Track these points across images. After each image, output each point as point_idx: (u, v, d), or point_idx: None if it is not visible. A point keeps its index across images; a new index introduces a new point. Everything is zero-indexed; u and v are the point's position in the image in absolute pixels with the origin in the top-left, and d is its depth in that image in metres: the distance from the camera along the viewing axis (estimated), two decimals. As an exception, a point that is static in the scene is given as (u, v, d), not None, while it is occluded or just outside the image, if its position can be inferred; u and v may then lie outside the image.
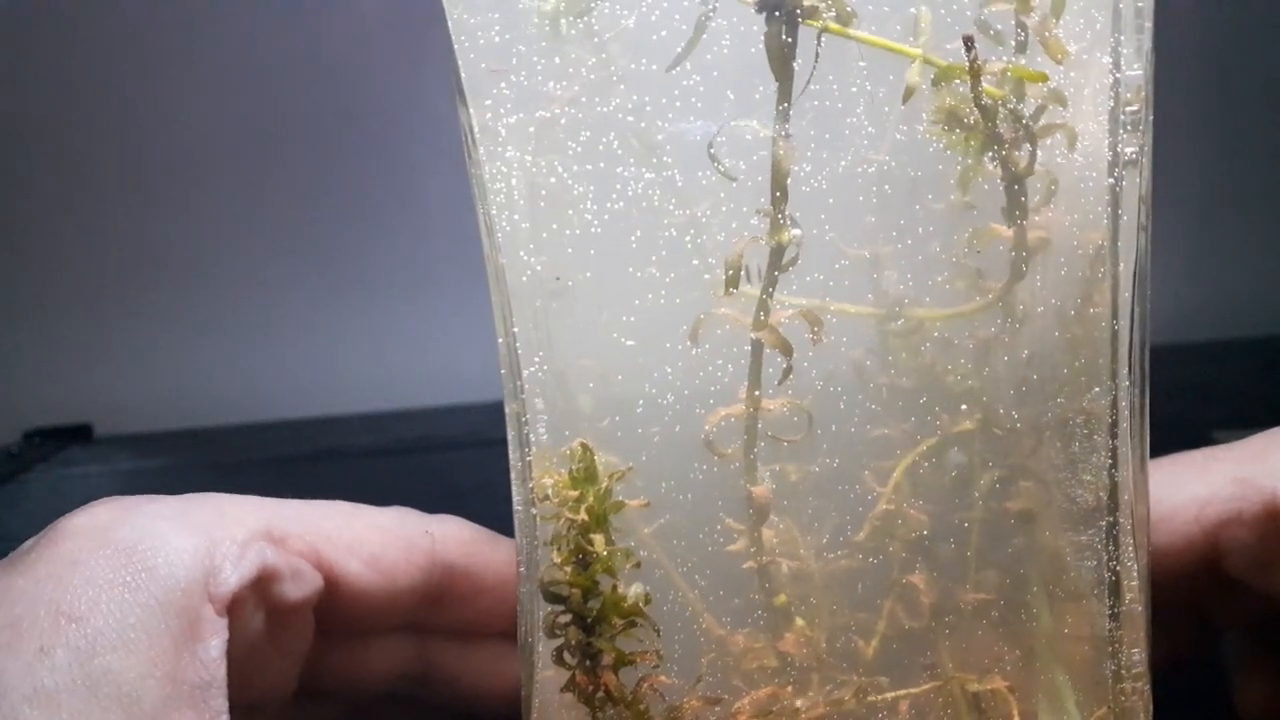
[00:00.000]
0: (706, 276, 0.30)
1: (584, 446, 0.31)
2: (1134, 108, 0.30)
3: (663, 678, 0.31)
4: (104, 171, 0.86)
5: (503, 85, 0.31)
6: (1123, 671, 0.31)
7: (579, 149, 0.31)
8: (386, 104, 0.86)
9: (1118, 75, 0.30)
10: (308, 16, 0.85)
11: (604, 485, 0.31)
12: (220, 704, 0.29)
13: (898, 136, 0.30)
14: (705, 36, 0.29)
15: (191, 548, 0.31)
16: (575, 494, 0.30)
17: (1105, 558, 0.32)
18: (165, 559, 0.30)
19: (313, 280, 0.89)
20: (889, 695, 0.32)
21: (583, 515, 0.30)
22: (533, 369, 0.32)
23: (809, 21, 0.29)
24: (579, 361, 0.32)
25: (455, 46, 0.30)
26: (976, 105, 0.29)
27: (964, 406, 0.32)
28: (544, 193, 0.31)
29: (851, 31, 0.29)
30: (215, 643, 0.30)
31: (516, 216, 0.31)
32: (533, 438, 0.32)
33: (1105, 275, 0.31)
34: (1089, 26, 0.30)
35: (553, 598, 0.31)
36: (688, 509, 0.32)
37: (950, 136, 0.30)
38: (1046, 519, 0.32)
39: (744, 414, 0.31)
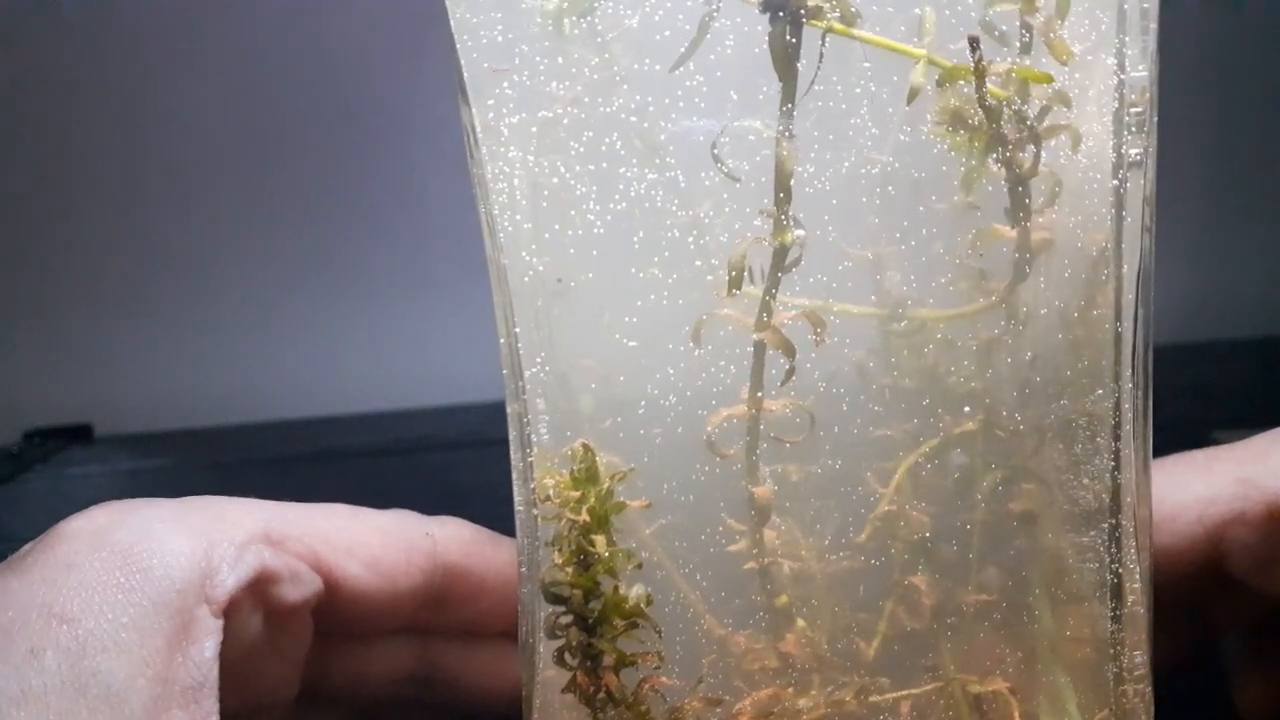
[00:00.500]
0: (709, 277, 0.30)
1: (585, 447, 0.31)
2: (1139, 109, 0.30)
3: (664, 679, 0.31)
4: (104, 171, 0.86)
5: (505, 85, 0.30)
6: (1124, 673, 0.31)
7: (582, 149, 0.31)
8: (386, 104, 0.86)
9: (1122, 76, 0.30)
10: (308, 17, 0.85)
11: (606, 486, 0.31)
12: (211, 705, 0.29)
13: (901, 137, 0.30)
14: (709, 37, 0.29)
15: (188, 549, 0.31)
16: (577, 495, 0.30)
17: (1107, 560, 0.31)
18: (161, 560, 0.30)
19: (313, 280, 0.89)
20: (890, 696, 0.32)
21: (584, 516, 0.30)
22: (535, 369, 0.32)
23: (813, 22, 0.29)
24: (581, 362, 0.32)
25: (458, 46, 0.30)
26: (981, 106, 0.29)
27: (966, 408, 0.32)
28: (546, 193, 0.31)
29: (856, 32, 0.29)
30: (209, 644, 0.30)
31: (519, 217, 0.31)
32: (534, 438, 0.32)
33: (1109, 277, 0.31)
34: (1094, 28, 0.30)
35: (554, 599, 0.31)
36: (689, 510, 0.32)
37: (954, 137, 0.30)
38: (1048, 520, 0.32)
39: (746, 415, 0.31)
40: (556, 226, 0.31)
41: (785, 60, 0.29)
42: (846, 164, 0.30)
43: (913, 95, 0.29)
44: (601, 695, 0.31)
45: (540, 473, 0.31)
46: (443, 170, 0.86)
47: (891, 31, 0.29)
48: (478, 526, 0.37)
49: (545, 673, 0.32)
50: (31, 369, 0.89)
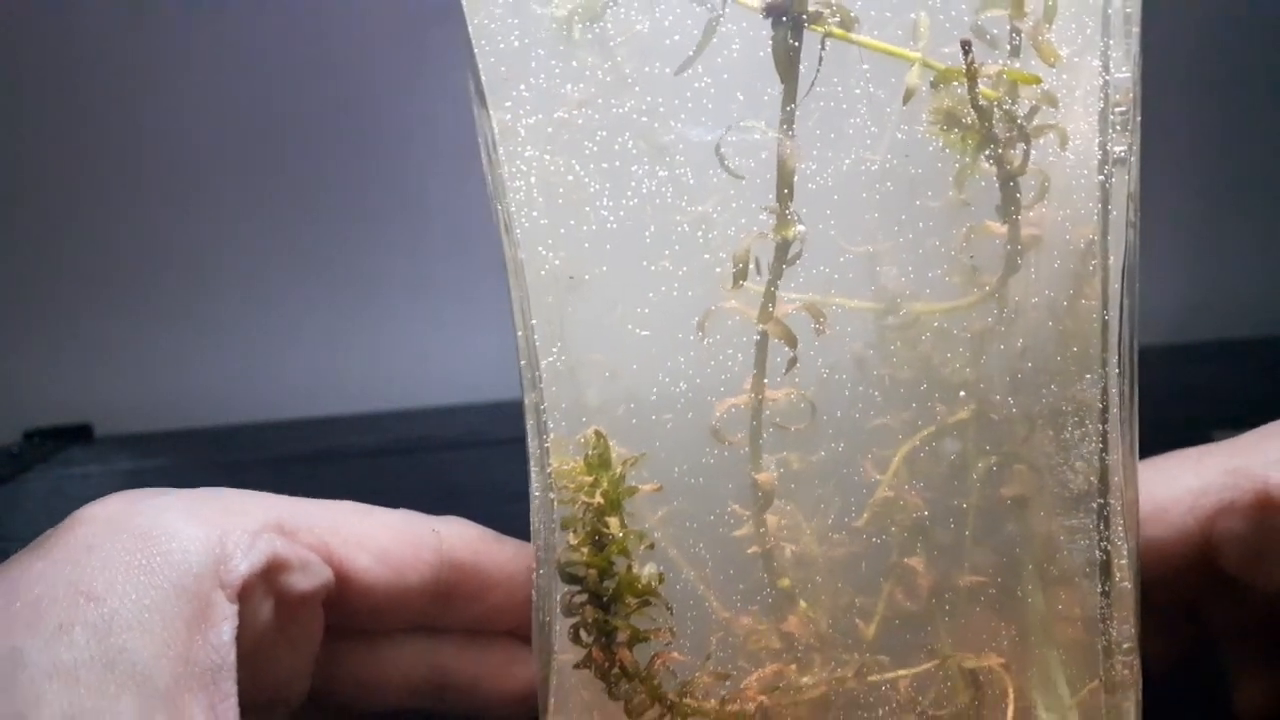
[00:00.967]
0: (718, 270, 0.31)
1: (598, 434, 0.32)
2: (1123, 108, 0.31)
3: (675, 654, 0.32)
4: (104, 172, 0.84)
5: (522, 87, 0.31)
6: (1113, 647, 0.32)
7: (595, 148, 0.32)
8: (386, 104, 0.85)
9: (1107, 77, 0.31)
10: (308, 17, 0.83)
11: (618, 471, 0.31)
12: (230, 687, 0.30)
13: (898, 136, 0.31)
14: (715, 41, 0.30)
15: (204, 536, 0.31)
16: (590, 479, 0.31)
17: (1096, 539, 0.32)
18: (179, 545, 0.31)
19: (313, 280, 0.88)
20: (889, 675, 0.33)
21: (598, 499, 0.31)
22: (551, 359, 0.32)
23: (814, 27, 0.30)
24: (594, 353, 0.33)
25: (475, 50, 0.31)
26: (973, 106, 0.30)
27: (960, 395, 0.33)
28: (561, 190, 0.32)
29: (854, 36, 0.30)
30: (226, 627, 0.30)
31: (535, 213, 0.32)
32: (550, 425, 0.32)
33: (1095, 269, 0.31)
34: (1080, 31, 0.31)
35: (570, 578, 0.32)
36: (697, 495, 0.33)
37: (948, 136, 0.31)
38: (1040, 503, 0.33)
39: (750, 403, 0.32)
40: (571, 222, 0.32)
41: (787, 63, 0.30)
42: (846, 162, 0.31)
43: (908, 96, 0.30)
44: (616, 670, 0.32)
45: (556, 459, 0.32)
46: (442, 170, 0.86)
47: (888, 35, 0.30)
48: (480, 525, 0.38)
49: (561, 655, 0.33)
50: (31, 369, 0.87)
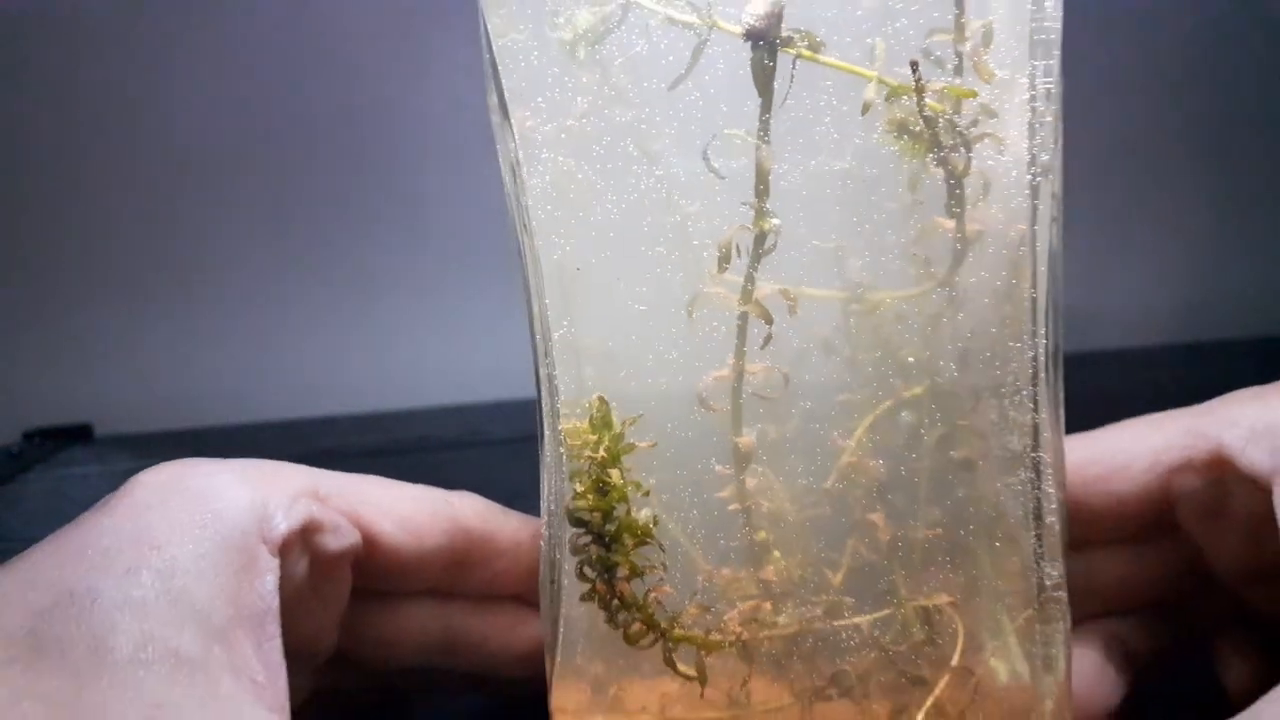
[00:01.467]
0: (705, 255, 0.34)
1: (601, 399, 0.35)
2: (1048, 119, 0.33)
3: (667, 588, 0.35)
4: (104, 172, 0.87)
5: (539, 99, 0.34)
6: (1045, 581, 0.36)
7: (600, 152, 0.35)
8: (387, 105, 0.87)
9: (1033, 92, 0.33)
10: (308, 17, 0.86)
11: (618, 430, 0.35)
12: (274, 629, 0.32)
13: (857, 142, 0.34)
14: (702, 61, 0.33)
15: (249, 496, 0.34)
16: (594, 437, 0.35)
17: (1030, 489, 0.35)
18: (228, 504, 0.34)
19: (313, 280, 0.90)
20: (854, 617, 0.37)
21: (601, 454, 0.35)
22: (561, 331, 0.35)
23: (786, 49, 0.32)
24: (597, 329, 0.35)
25: (500, 67, 0.34)
26: (921, 117, 0.33)
27: (914, 372, 0.36)
28: (572, 187, 0.35)
29: (820, 57, 0.33)
30: (270, 578, 0.33)
31: (549, 207, 0.35)
32: (560, 389, 0.36)
33: (1025, 255, 0.34)
34: (1009, 53, 0.33)
35: (577, 521, 0.35)
36: (685, 455, 0.36)
37: (901, 143, 0.33)
38: (985, 464, 0.36)
39: (732, 375, 0.35)
40: (580, 215, 0.35)
41: (764, 80, 0.33)
42: (813, 164, 0.34)
43: (866, 108, 0.33)
44: (616, 601, 0.35)
45: (564, 421, 0.35)
46: (442, 170, 0.88)
47: (849, 56, 0.33)
48: (488, 500, 0.40)
49: (571, 601, 0.36)
50: (31, 369, 0.89)
